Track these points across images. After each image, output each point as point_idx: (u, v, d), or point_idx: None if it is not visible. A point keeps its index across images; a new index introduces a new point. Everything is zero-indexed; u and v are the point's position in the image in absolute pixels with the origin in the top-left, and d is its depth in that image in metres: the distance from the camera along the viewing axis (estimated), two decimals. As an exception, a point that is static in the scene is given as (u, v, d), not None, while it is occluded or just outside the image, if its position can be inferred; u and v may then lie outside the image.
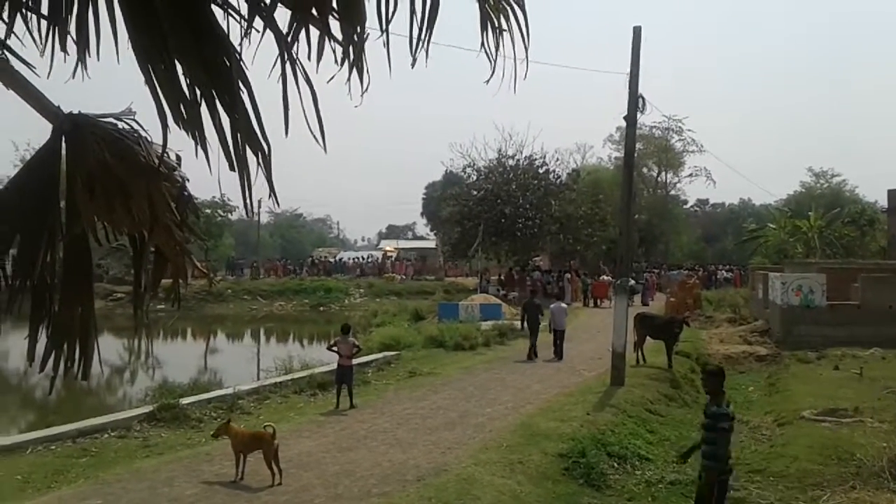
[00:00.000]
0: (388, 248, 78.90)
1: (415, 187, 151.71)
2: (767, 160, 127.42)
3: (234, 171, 2.68)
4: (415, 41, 3.07)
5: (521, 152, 49.64)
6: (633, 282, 27.79)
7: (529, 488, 9.86)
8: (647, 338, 20.20)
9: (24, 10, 2.96)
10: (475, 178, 50.46)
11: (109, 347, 30.96)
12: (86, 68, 3.00)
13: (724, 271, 57.01)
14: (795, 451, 12.01)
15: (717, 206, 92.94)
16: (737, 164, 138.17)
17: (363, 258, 70.60)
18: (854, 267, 30.33)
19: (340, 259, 70.84)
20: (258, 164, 2.75)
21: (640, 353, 19.88)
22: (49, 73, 2.96)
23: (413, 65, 3.14)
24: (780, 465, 11.49)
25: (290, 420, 13.46)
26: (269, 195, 2.81)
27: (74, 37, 2.94)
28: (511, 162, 49.40)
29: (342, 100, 3.20)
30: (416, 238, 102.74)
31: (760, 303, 30.84)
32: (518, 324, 26.24)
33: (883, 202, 48.96)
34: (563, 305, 23.24)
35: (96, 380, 21.32)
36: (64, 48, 2.96)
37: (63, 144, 2.93)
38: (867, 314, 24.86)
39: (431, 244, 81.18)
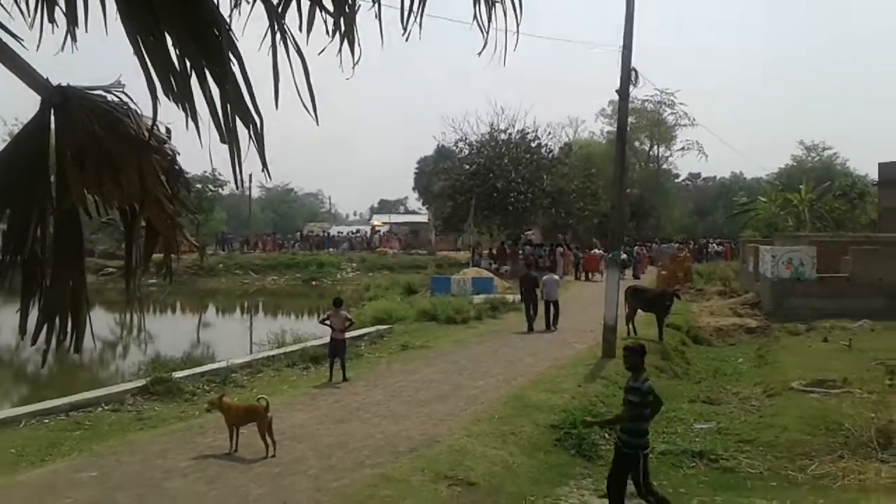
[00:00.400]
0: (376, 223, 78.94)
1: (406, 161, 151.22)
2: (759, 134, 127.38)
3: (225, 143, 2.66)
4: (407, 13, 3.05)
5: (514, 126, 49.54)
6: (624, 255, 28.12)
7: (521, 459, 9.95)
8: (639, 310, 20.33)
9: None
10: (467, 152, 50.33)
11: (101, 322, 30.94)
12: (75, 40, 2.97)
13: (714, 245, 57.25)
14: (784, 422, 12.14)
15: (709, 179, 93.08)
16: (729, 138, 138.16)
17: (352, 233, 70.65)
18: (844, 240, 30.46)
19: (328, 234, 70.83)
20: (249, 136, 2.73)
21: (631, 326, 20.01)
22: (38, 46, 2.93)
23: (406, 37, 3.12)
24: (769, 435, 11.62)
25: (284, 393, 13.52)
26: (262, 168, 2.80)
27: (63, 8, 2.91)
28: (503, 136, 49.27)
29: (334, 72, 3.18)
30: (408, 212, 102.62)
31: (751, 276, 31.01)
32: (510, 297, 26.82)
33: (874, 175, 49.06)
34: (556, 277, 23.80)
35: (89, 354, 21.32)
36: (52, 20, 2.93)
37: (52, 117, 2.90)
38: (857, 287, 25.03)
39: (423, 218, 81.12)
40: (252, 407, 9.94)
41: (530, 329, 21.26)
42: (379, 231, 71.24)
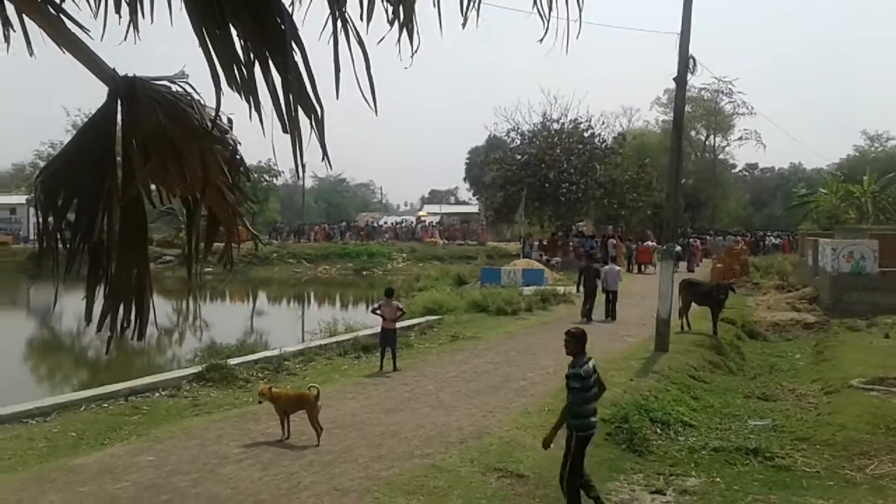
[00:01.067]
0: (421, 214, 79.26)
1: (458, 151, 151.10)
2: (821, 123, 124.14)
3: (287, 132, 2.68)
4: (466, 1, 3.03)
5: (566, 116, 49.18)
6: (678, 247, 27.83)
7: (572, 452, 9.88)
8: (693, 304, 20.02)
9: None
10: (519, 142, 50.15)
11: (159, 309, 30.91)
12: (137, 31, 3.02)
13: (772, 237, 56.00)
14: (843, 420, 11.83)
15: (767, 170, 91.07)
16: (789, 128, 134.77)
17: (395, 223, 71.19)
18: (908, 233, 29.52)
19: (373, 223, 71.40)
20: (311, 126, 2.74)
21: (685, 320, 19.71)
22: (102, 36, 2.99)
23: (464, 25, 3.10)
24: (826, 434, 11.34)
25: (335, 381, 13.66)
26: (323, 158, 2.81)
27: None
28: (556, 126, 48.94)
29: (390, 61, 3.18)
30: (458, 203, 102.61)
31: (810, 269, 30.26)
32: (560, 289, 26.83)
33: (941, 166, 47.43)
34: (617, 268, 24.27)
35: (147, 341, 21.81)
36: (118, 11, 2.98)
37: (119, 107, 2.96)
38: (920, 282, 24.27)
39: (474, 209, 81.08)
40: (302, 395, 10.05)
41: (588, 320, 21.17)
42: (423, 221, 71.57)
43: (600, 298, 22.15)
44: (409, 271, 46.96)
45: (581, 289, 22.63)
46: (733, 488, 9.19)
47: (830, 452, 10.59)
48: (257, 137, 2.79)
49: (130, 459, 8.96)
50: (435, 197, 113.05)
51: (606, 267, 23.55)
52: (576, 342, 8.05)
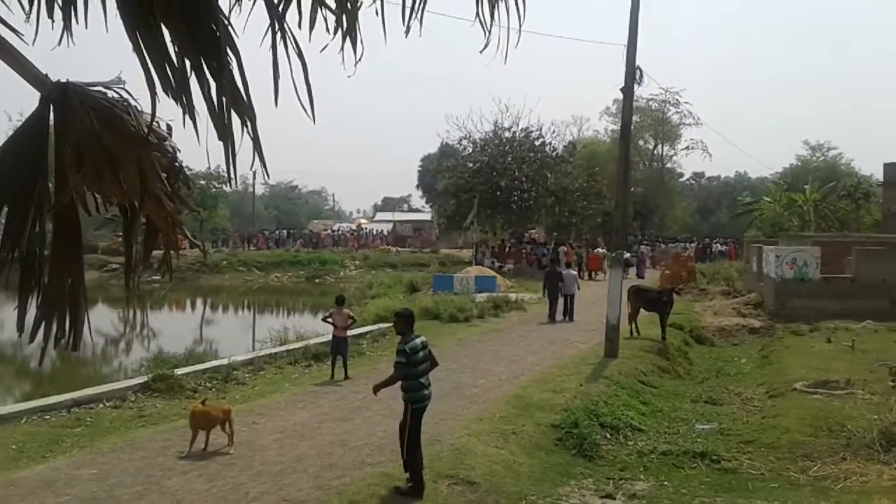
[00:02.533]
0: (361, 221, 78.91)
1: (410, 159, 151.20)
2: (764, 133, 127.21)
3: (222, 140, 2.64)
4: (408, 10, 3.02)
5: (518, 124, 49.53)
6: (628, 254, 29.02)
7: (522, 458, 9.94)
8: (642, 310, 20.32)
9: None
10: (471, 150, 50.31)
11: (104, 318, 30.96)
12: (71, 35, 2.94)
13: (718, 244, 57.14)
14: (787, 423, 12.09)
15: (713, 179, 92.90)
16: (733, 138, 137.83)
17: (333, 230, 70.51)
18: (848, 240, 30.34)
19: (312, 231, 70.54)
20: (246, 132, 2.70)
21: (633, 325, 20.00)
22: (34, 40, 2.90)
23: (407, 33, 3.10)
24: (771, 437, 11.58)
25: (285, 390, 13.51)
26: (260, 165, 2.78)
27: (60, 3, 2.89)
28: (507, 134, 49.25)
29: (337, 69, 3.16)
30: (411, 210, 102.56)
31: (755, 276, 30.92)
32: (513, 296, 27.46)
33: (879, 175, 48.97)
34: (573, 273, 26.51)
35: (91, 350, 21.35)
36: (51, 15, 2.91)
37: (51, 113, 2.89)
38: (861, 287, 24.94)
39: (427, 216, 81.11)
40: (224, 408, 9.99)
41: (553, 320, 23.25)
42: (364, 229, 71.22)
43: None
44: (361, 279, 46.73)
45: (545, 292, 24.20)
46: (681, 491, 9.32)
47: (775, 455, 10.82)
48: (204, 144, 2.74)
49: (72, 472, 8.73)
50: (388, 204, 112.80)
51: (564, 272, 25.30)
52: (403, 322, 8.54)
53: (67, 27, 2.89)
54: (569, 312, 23.55)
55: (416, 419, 8.35)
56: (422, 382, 8.37)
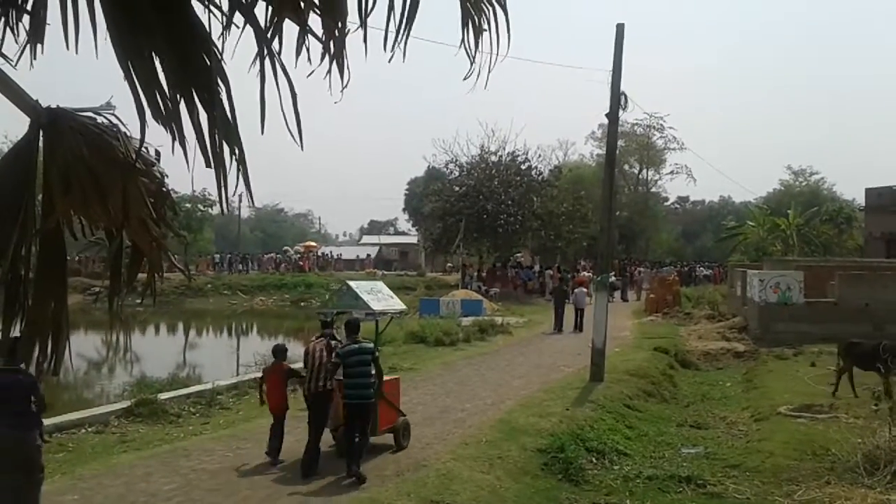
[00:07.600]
0: (308, 244, 76.12)
1: (397, 183, 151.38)
2: (748, 158, 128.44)
3: (211, 167, 2.66)
4: (393, 37, 3.07)
5: (504, 148, 49.77)
6: (613, 278, 29.85)
7: (508, 483, 9.90)
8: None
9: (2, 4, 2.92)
10: (457, 173, 50.48)
11: (87, 342, 30.65)
12: (39, 53, 2.92)
13: (703, 268, 57.45)
14: (771, 447, 12.12)
15: (698, 203, 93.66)
16: (717, 162, 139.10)
17: (275, 255, 68.10)
18: (831, 265, 30.59)
19: (262, 255, 69.01)
20: (234, 160, 2.72)
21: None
22: (18, 63, 2.91)
23: (390, 60, 3.14)
24: (755, 460, 11.60)
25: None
26: (246, 192, 2.79)
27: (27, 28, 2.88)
28: (493, 158, 49.48)
29: (324, 93, 3.20)
30: (398, 233, 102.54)
31: (739, 300, 31.07)
32: (499, 319, 28.06)
33: (861, 200, 49.54)
34: (584, 290, 29.39)
35: (73, 375, 21.11)
36: (41, 41, 2.92)
37: (40, 138, 2.90)
38: (844, 311, 25.07)
39: (413, 240, 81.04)
40: None
41: (559, 330, 27.26)
42: (300, 253, 68.93)
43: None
44: (347, 302, 46.43)
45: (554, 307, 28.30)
46: (666, 516, 9.30)
47: (760, 479, 10.82)
48: (192, 168, 2.76)
49: (54, 499, 8.62)
50: (374, 227, 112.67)
51: (577, 290, 29.56)
52: (346, 328, 10.18)
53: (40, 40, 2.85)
54: (579, 325, 27.07)
55: (351, 412, 9.61)
56: (356, 382, 9.61)
